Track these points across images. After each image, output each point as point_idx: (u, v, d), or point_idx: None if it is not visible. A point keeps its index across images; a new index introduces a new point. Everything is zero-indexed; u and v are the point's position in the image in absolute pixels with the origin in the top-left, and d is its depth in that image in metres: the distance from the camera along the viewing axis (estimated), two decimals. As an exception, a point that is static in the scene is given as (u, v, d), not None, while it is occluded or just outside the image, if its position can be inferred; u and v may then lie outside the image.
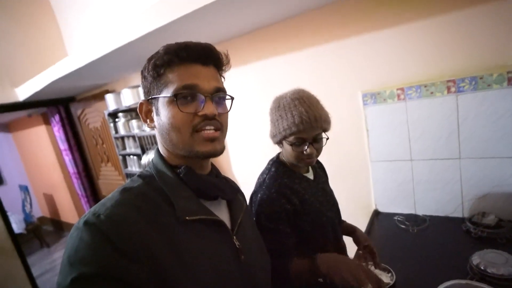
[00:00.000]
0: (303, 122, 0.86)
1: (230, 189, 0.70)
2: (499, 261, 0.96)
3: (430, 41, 1.31)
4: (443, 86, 1.29)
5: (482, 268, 0.95)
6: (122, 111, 2.72)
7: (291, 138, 0.90)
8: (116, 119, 2.81)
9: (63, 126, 3.58)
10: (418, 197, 1.49)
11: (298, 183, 0.95)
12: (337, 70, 1.59)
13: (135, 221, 0.50)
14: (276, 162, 1.00)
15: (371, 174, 1.60)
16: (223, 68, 0.65)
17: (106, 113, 2.81)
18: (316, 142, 0.91)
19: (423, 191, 1.47)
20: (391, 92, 1.42)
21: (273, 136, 0.98)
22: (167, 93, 0.58)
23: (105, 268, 0.44)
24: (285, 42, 1.72)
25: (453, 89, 1.28)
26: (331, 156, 1.70)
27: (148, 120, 0.64)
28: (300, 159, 0.91)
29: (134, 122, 2.61)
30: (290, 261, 0.85)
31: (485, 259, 0.98)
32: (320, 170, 1.13)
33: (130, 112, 2.75)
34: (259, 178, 1.01)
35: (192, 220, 0.56)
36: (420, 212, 1.50)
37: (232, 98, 0.65)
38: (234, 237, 0.63)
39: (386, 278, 1.04)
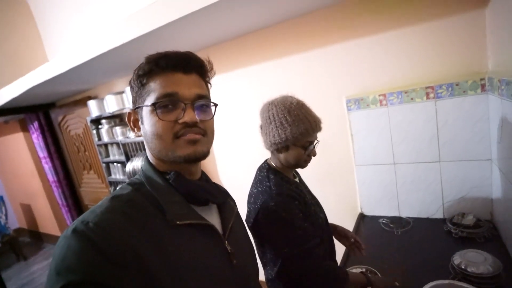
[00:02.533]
0: (318, 125, 0.95)
1: (220, 193, 0.70)
2: (478, 260, 1.00)
3: (410, 49, 1.36)
4: (422, 92, 1.35)
5: (463, 267, 0.99)
6: (106, 118, 2.66)
7: (303, 142, 0.94)
8: (99, 126, 2.75)
9: (43, 133, 3.46)
10: (402, 200, 1.53)
11: (296, 187, 0.99)
12: (322, 76, 1.62)
13: (123, 227, 0.49)
14: (271, 169, 1.00)
15: (356, 177, 1.63)
16: (207, 74, 0.66)
17: (88, 119, 2.74)
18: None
19: (406, 193, 1.51)
20: (373, 97, 1.46)
21: (281, 141, 0.92)
22: (149, 102, 0.59)
23: (93, 275, 0.43)
24: (271, 49, 1.74)
25: (431, 95, 1.33)
26: (318, 160, 1.72)
27: (136, 129, 0.65)
28: (304, 161, 0.97)
29: (118, 129, 2.55)
30: (323, 265, 0.90)
31: (466, 258, 1.02)
32: (298, 176, 1.16)
33: (114, 118, 2.69)
34: (258, 187, 0.98)
35: (183, 225, 0.56)
36: (404, 214, 1.54)
37: (215, 105, 0.65)
38: (226, 241, 0.63)
39: (372, 280, 1.06)
